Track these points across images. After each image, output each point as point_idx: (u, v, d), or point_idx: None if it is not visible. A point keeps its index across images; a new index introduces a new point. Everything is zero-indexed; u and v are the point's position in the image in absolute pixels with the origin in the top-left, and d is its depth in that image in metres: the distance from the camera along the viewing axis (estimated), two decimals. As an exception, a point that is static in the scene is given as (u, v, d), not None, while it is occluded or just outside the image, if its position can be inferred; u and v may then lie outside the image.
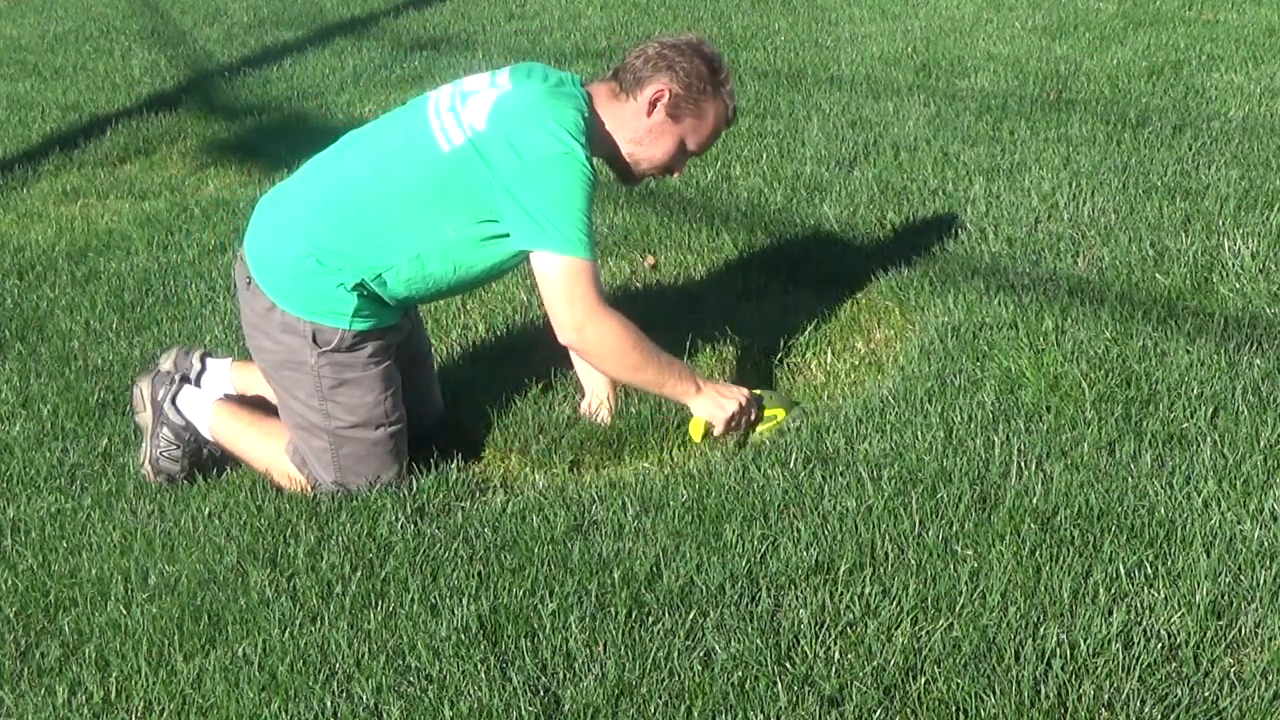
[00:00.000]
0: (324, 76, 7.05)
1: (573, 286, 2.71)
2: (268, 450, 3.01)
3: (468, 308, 3.89)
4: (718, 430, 2.91)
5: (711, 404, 2.88)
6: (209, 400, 3.12)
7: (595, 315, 2.74)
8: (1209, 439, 2.74)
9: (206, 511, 2.88)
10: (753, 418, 2.95)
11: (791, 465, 2.81)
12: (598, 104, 2.84)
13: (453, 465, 3.02)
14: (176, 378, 3.17)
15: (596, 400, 3.16)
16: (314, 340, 2.83)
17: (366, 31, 8.30)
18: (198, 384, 3.25)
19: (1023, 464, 2.72)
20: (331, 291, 2.81)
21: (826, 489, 2.70)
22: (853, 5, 7.89)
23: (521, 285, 3.95)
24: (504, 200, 2.71)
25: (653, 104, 2.82)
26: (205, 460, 3.13)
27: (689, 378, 2.89)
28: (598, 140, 2.82)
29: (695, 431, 2.93)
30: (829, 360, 3.39)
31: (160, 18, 9.23)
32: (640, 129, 2.84)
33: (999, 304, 3.45)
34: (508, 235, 2.76)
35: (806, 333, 3.49)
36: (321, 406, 2.89)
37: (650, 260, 4.10)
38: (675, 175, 2.98)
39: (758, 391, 3.00)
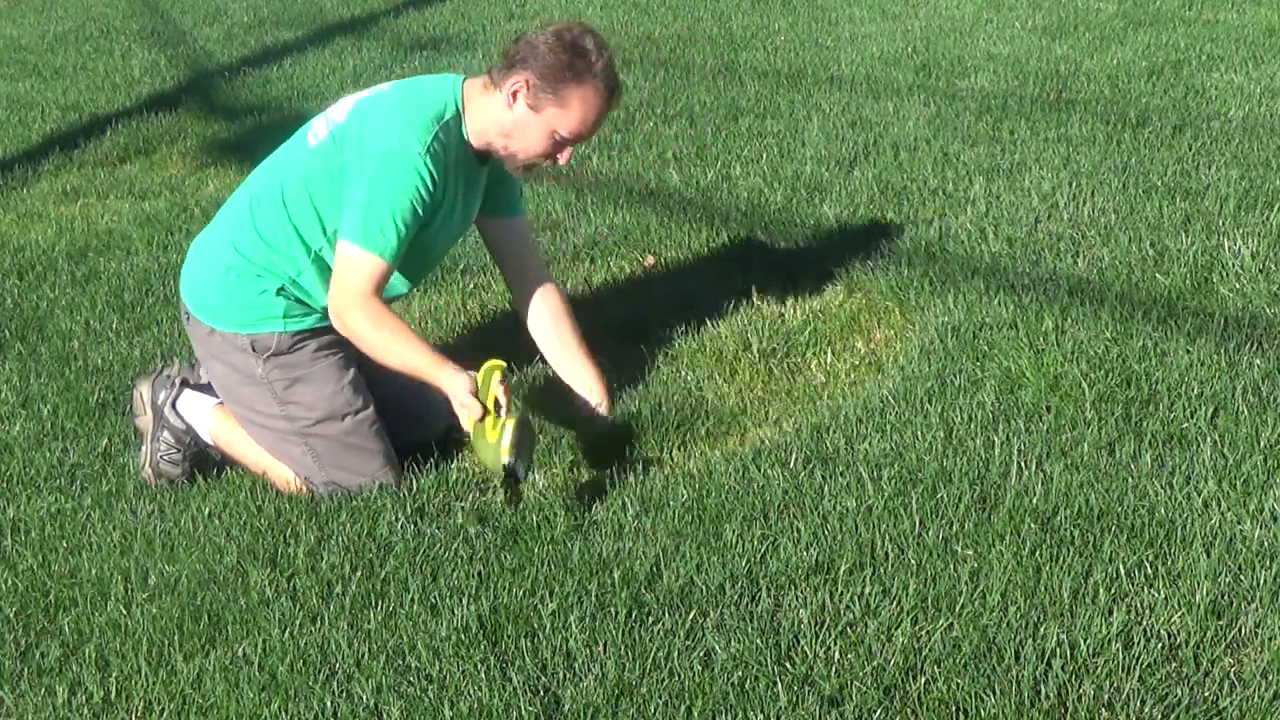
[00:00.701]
0: (324, 76, 7.05)
1: (351, 276, 2.77)
2: (265, 453, 3.01)
3: (468, 308, 3.89)
4: (463, 424, 2.81)
5: (457, 402, 2.78)
6: (209, 404, 3.12)
7: (357, 307, 2.77)
8: (1209, 439, 2.74)
9: (206, 511, 2.88)
10: (474, 414, 2.72)
11: (791, 465, 2.81)
12: (470, 99, 2.87)
13: (453, 465, 3.02)
14: (177, 380, 3.16)
15: (587, 390, 3.15)
16: (254, 349, 2.91)
17: (366, 31, 8.30)
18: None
19: (1023, 464, 2.72)
20: (257, 299, 2.90)
21: (826, 489, 2.70)
22: (853, 5, 7.89)
23: (521, 285, 3.95)
24: (345, 185, 2.79)
25: (513, 96, 2.82)
26: (206, 462, 3.13)
27: (441, 378, 2.77)
28: (474, 135, 2.87)
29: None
30: (829, 360, 3.40)
31: (160, 18, 9.23)
32: (506, 122, 2.84)
33: (999, 304, 3.45)
34: None
35: (806, 333, 3.49)
36: (283, 411, 2.94)
37: (650, 260, 4.10)
38: (562, 162, 2.93)
39: (508, 415, 2.72)
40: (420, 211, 2.78)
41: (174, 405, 3.10)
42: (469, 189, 2.95)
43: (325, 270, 2.88)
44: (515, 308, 3.30)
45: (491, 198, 3.08)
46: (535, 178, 4.43)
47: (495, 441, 2.67)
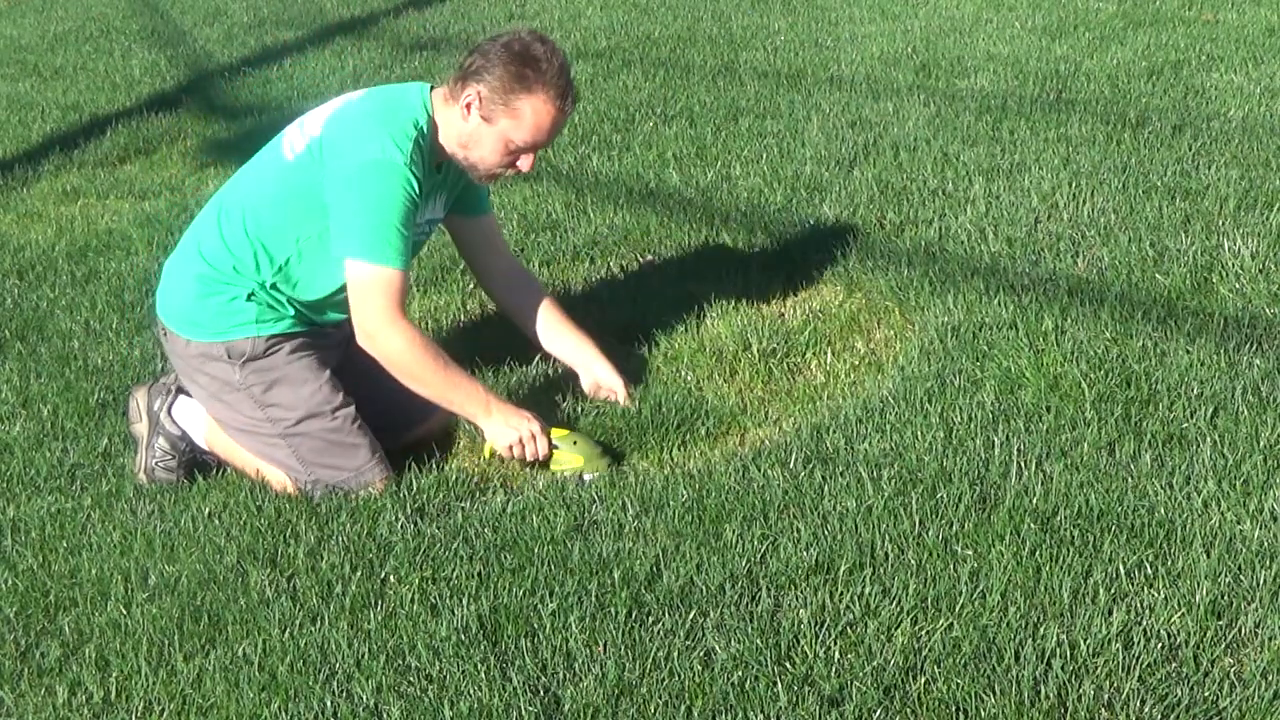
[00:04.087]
0: (324, 76, 7.04)
1: (371, 295, 2.81)
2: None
3: (468, 308, 3.89)
4: (501, 453, 2.96)
5: (498, 428, 2.92)
6: (204, 410, 3.12)
7: (388, 326, 2.82)
8: (1209, 439, 2.74)
9: (206, 511, 2.88)
10: (541, 452, 2.93)
11: (791, 465, 2.81)
12: (437, 110, 2.91)
13: (452, 465, 3.02)
14: (173, 388, 3.16)
15: (590, 370, 3.18)
16: (229, 356, 2.93)
17: (366, 31, 8.30)
18: None
19: (1023, 464, 2.72)
20: (228, 305, 2.93)
21: (826, 489, 2.70)
22: (853, 5, 7.88)
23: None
24: (330, 200, 2.82)
25: (467, 109, 2.87)
26: (202, 467, 3.13)
27: (480, 400, 2.92)
28: (440, 145, 2.91)
29: (485, 450, 3.00)
30: (829, 360, 3.40)
31: (160, 18, 9.23)
32: (464, 133, 2.89)
33: (999, 304, 3.45)
34: None
35: (806, 333, 3.50)
36: (264, 414, 2.96)
37: (650, 260, 4.10)
38: (525, 170, 2.96)
39: (564, 432, 2.98)
40: (413, 218, 2.82)
41: (169, 412, 3.10)
42: (433, 194, 2.99)
43: (292, 279, 2.92)
44: (497, 304, 3.39)
45: (461, 199, 3.12)
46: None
47: (583, 460, 2.96)
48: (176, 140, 6.10)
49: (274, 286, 2.92)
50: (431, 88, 2.94)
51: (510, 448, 2.92)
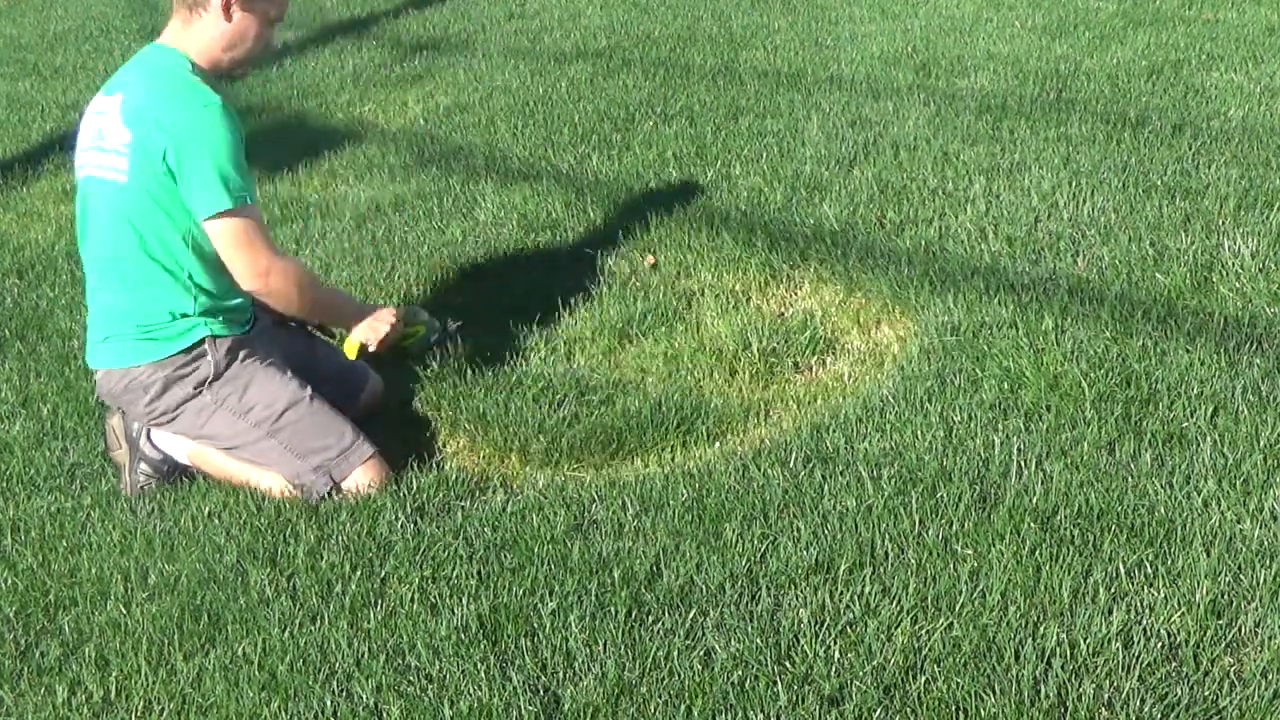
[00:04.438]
0: (324, 76, 7.04)
1: (249, 239, 2.88)
2: (245, 467, 3.01)
3: (468, 306, 3.89)
4: (373, 346, 3.15)
5: (368, 326, 3.15)
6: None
7: (278, 261, 2.93)
8: (1209, 439, 2.74)
9: (206, 511, 2.88)
10: (400, 331, 3.22)
11: (791, 465, 2.81)
12: (178, 42, 2.99)
13: (452, 465, 3.02)
14: None
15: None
16: (195, 388, 2.95)
17: (366, 31, 8.29)
18: None
19: (1023, 464, 2.72)
20: (178, 338, 2.94)
21: (826, 489, 2.70)
22: (853, 5, 7.88)
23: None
24: (177, 169, 2.84)
25: (227, 8, 2.94)
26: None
27: (352, 305, 3.24)
28: (201, 72, 2.96)
29: (351, 351, 3.16)
30: (829, 360, 3.39)
31: (160, 17, 9.21)
32: (227, 34, 2.97)
33: (999, 304, 3.45)
34: None
35: (806, 333, 3.50)
36: (246, 420, 2.97)
37: (650, 260, 4.10)
38: (275, 47, 3.11)
39: (406, 303, 3.29)
40: (245, 150, 2.88)
41: (149, 436, 3.08)
42: None
43: (202, 282, 2.93)
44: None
45: None
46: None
47: (416, 333, 3.36)
48: (176, 140, 6.09)
49: (198, 303, 2.93)
50: (157, 40, 3.03)
51: (382, 341, 3.13)
